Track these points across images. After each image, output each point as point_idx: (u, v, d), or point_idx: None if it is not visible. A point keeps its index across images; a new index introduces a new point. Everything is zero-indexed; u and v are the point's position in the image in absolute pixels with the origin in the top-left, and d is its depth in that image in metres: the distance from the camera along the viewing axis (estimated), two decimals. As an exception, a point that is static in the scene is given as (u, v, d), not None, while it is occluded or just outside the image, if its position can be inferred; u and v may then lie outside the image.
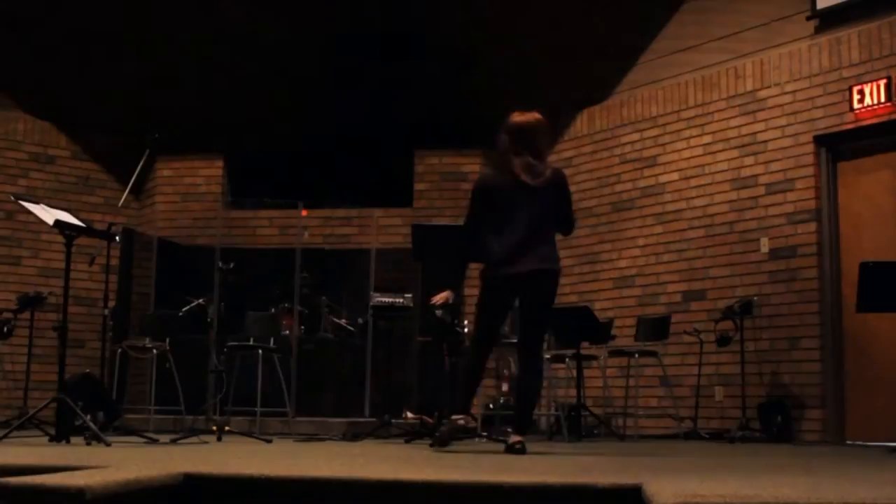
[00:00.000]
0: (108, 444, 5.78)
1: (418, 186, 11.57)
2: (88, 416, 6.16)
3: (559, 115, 11.40)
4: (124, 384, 10.01)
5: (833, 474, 4.11)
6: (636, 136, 10.57)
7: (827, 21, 9.13)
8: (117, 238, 7.37)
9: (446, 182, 11.56)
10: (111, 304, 8.77)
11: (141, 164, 7.52)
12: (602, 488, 3.19)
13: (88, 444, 5.89)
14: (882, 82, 8.58)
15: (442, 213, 11.32)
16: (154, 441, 6.43)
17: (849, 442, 8.49)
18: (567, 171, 11.19)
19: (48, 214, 6.54)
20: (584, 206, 11.01)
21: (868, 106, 8.66)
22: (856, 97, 8.75)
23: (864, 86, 8.70)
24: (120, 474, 3.11)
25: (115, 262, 9.75)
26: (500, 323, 6.33)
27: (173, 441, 6.57)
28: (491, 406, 10.00)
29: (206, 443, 6.59)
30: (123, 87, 11.37)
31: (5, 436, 5.97)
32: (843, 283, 8.78)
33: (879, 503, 2.68)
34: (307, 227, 11.19)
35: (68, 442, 5.98)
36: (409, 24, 12.20)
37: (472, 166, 11.57)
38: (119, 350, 9.26)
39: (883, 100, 8.56)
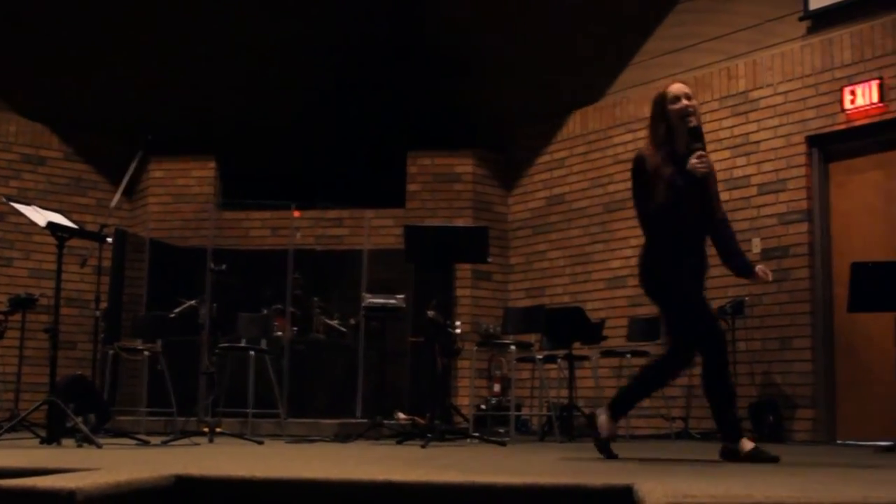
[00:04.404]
0: (99, 446, 5.77)
1: (411, 187, 11.57)
2: (80, 418, 6.15)
3: (552, 117, 11.42)
4: (116, 386, 9.99)
5: (824, 474, 4.11)
6: (629, 137, 10.57)
7: (819, 22, 9.15)
8: (109, 239, 7.36)
9: (439, 183, 11.56)
10: (103, 305, 8.77)
11: (133, 165, 7.50)
12: (594, 489, 3.19)
13: (80, 446, 5.88)
14: (874, 83, 8.59)
15: (434, 214, 11.33)
16: (146, 443, 6.42)
17: (839, 441, 8.51)
18: (560, 172, 11.33)
19: (40, 216, 6.53)
20: (576, 207, 11.03)
21: (860, 106, 8.68)
22: (847, 98, 8.77)
23: (856, 86, 8.72)
24: (111, 476, 3.11)
25: (107, 263, 9.74)
26: None
27: (165, 443, 6.56)
28: (482, 406, 10.00)
29: (197, 444, 6.58)
30: (115, 89, 11.36)
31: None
32: (835, 283, 8.80)
33: (870, 503, 2.68)
34: (299, 228, 11.18)
35: (59, 444, 5.97)
36: (402, 25, 12.21)
37: (465, 167, 11.57)
38: (111, 352, 9.24)
39: (875, 100, 8.58)
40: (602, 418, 5.42)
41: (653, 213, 5.16)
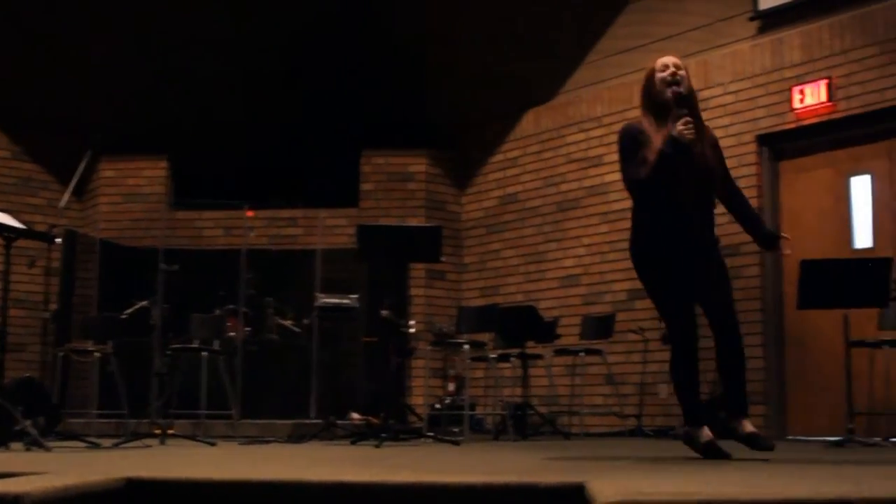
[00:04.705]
0: (48, 450, 5.71)
1: (364, 187, 11.55)
2: (29, 422, 6.07)
3: (506, 116, 11.44)
4: (66, 388, 9.88)
5: (772, 470, 4.15)
6: (582, 136, 10.63)
7: (769, 22, 9.25)
8: (58, 240, 7.28)
9: (392, 182, 11.55)
10: (53, 307, 8.68)
11: (83, 164, 7.43)
12: (546, 487, 3.19)
13: (28, 449, 5.81)
14: (823, 82, 8.70)
15: (388, 213, 11.31)
16: (96, 445, 6.36)
17: (790, 437, 8.60)
18: (513, 171, 11.35)
19: (-15, 216, 6.45)
20: (529, 206, 11.06)
21: (809, 106, 8.78)
22: (797, 97, 8.87)
23: (805, 86, 8.82)
24: (60, 480, 3.07)
25: (56, 264, 9.63)
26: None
27: (116, 445, 6.49)
28: (437, 406, 10.00)
29: (149, 446, 6.53)
30: (65, 87, 11.23)
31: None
32: (785, 280, 8.89)
33: (816, 498, 2.70)
34: (253, 227, 11.11)
35: (7, 448, 5.90)
36: (356, 24, 12.19)
37: (418, 167, 11.57)
38: (61, 354, 9.13)
39: (823, 99, 8.68)
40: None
41: (640, 183, 5.02)
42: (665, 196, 4.99)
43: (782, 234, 5.23)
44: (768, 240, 5.31)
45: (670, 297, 5.09)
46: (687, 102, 5.00)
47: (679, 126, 4.91)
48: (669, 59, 5.12)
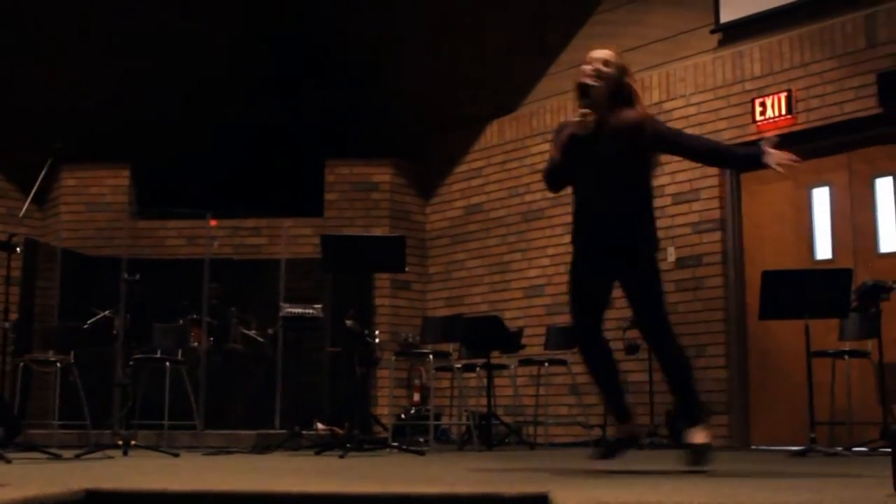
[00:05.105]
0: (8, 461, 5.65)
1: (328, 196, 11.53)
2: (-12, 433, 6.01)
3: (469, 126, 11.47)
4: (27, 399, 9.78)
5: (735, 479, 4.18)
6: (546, 147, 10.62)
7: (730, 35, 9.34)
8: (18, 249, 7.21)
9: (356, 192, 11.54)
10: (13, 316, 8.56)
11: (43, 173, 7.37)
12: (510, 497, 3.21)
13: (-12, 460, 5.75)
14: (783, 95, 8.79)
15: (352, 223, 11.30)
16: (58, 457, 6.30)
17: (753, 447, 8.66)
18: (477, 182, 11.38)
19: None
20: (494, 217, 11.09)
21: (770, 118, 8.86)
22: (758, 109, 8.95)
23: (766, 98, 8.90)
24: (19, 492, 3.05)
25: (17, 273, 9.53)
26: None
27: (77, 456, 6.43)
28: (402, 416, 9.99)
29: (111, 458, 6.48)
30: (26, 95, 11.13)
31: None
32: (747, 291, 8.96)
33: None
34: (216, 237, 11.06)
35: (-33, 459, 5.83)
36: (320, 32, 12.18)
37: (383, 176, 11.57)
38: (21, 364, 9.04)
39: (784, 112, 8.77)
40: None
41: (544, 178, 5.01)
42: (576, 191, 4.91)
43: (768, 148, 4.69)
44: (745, 162, 5.20)
45: (572, 292, 4.97)
46: (586, 93, 4.73)
47: (575, 119, 4.76)
48: (597, 53, 4.88)
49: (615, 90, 4.82)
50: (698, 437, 4.65)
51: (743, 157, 5.30)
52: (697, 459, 4.59)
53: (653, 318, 4.83)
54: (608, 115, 4.78)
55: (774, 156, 4.68)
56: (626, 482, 4.06)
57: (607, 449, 5.17)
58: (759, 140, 4.79)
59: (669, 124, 9.49)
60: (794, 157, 4.69)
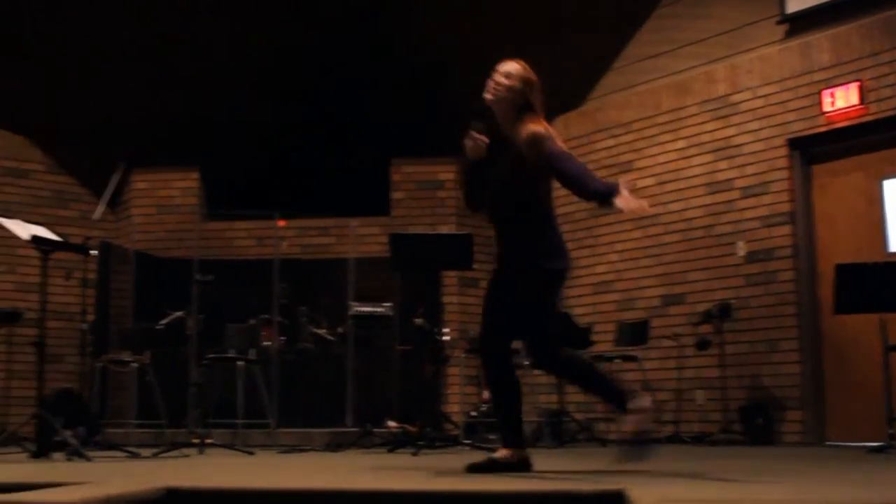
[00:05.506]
0: (89, 460, 5.76)
1: (395, 195, 11.58)
2: (69, 432, 6.13)
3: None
4: (105, 399, 9.96)
5: (813, 476, 4.14)
6: (611, 142, 10.62)
7: (797, 25, 9.21)
8: (93, 252, 7.35)
9: (422, 191, 11.57)
10: (90, 318, 8.74)
11: (117, 177, 7.50)
12: (585, 494, 3.20)
13: (69, 459, 5.86)
14: (853, 85, 8.65)
15: (419, 221, 11.33)
16: (136, 455, 6.40)
17: (829, 443, 8.54)
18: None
19: (24, 230, 6.53)
20: (561, 212, 11.01)
21: (840, 109, 8.73)
22: (827, 100, 8.83)
23: (836, 89, 8.77)
24: (102, 490, 3.10)
25: (92, 276, 9.70)
26: None
27: (155, 455, 6.54)
28: (473, 413, 10.00)
29: (187, 456, 6.57)
30: (97, 100, 11.32)
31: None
32: (820, 284, 8.84)
33: (860, 504, 2.70)
34: (284, 237, 11.16)
35: (49, 458, 5.95)
36: (386, 32, 12.22)
37: (448, 174, 11.58)
38: (99, 364, 9.21)
39: (854, 102, 8.63)
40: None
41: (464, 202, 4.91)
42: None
43: (622, 192, 4.23)
44: (603, 197, 4.34)
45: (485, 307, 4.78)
46: (477, 113, 4.68)
47: (466, 141, 4.64)
48: (501, 65, 4.78)
49: (521, 105, 4.68)
50: (629, 424, 4.42)
51: (594, 192, 4.43)
52: (630, 454, 4.36)
53: (495, 335, 4.69)
54: (513, 131, 4.63)
55: (626, 199, 4.19)
56: (702, 479, 4.03)
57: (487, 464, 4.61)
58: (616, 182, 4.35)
59: (736, 118, 9.49)
60: (645, 206, 4.25)
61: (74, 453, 5.93)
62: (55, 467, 5.17)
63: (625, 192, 4.21)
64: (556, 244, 4.70)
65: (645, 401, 4.45)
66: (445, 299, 11.19)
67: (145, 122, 11.26)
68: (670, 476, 4.22)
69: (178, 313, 8.71)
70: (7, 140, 11.41)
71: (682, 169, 9.92)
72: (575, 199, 10.86)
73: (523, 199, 4.65)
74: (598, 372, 4.79)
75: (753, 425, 8.68)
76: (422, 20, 12.07)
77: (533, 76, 4.75)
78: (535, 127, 4.58)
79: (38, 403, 6.31)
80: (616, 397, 4.55)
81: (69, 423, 6.37)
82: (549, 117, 11.37)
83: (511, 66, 4.74)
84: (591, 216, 10.70)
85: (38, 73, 11.06)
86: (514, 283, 4.60)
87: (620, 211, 4.25)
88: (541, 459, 5.99)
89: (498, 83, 4.70)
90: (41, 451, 6.05)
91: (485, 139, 4.60)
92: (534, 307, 4.58)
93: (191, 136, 11.63)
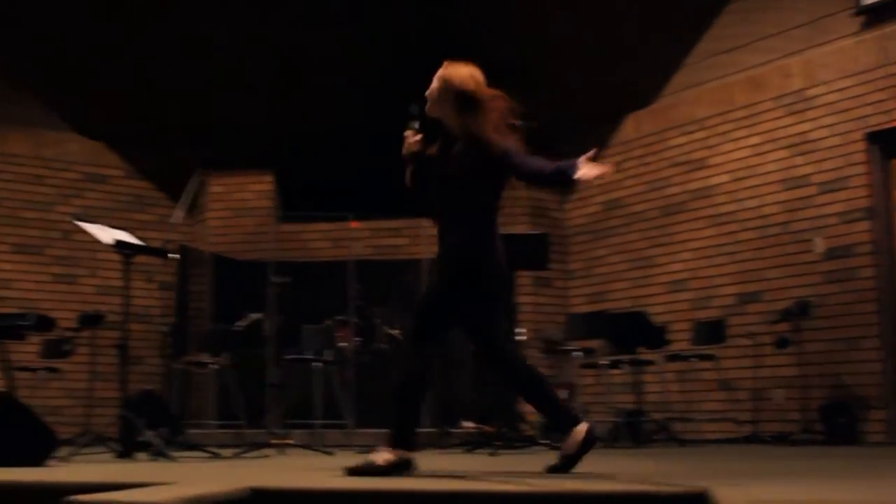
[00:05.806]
0: (173, 460, 5.86)
1: (467, 196, 11.57)
2: (153, 433, 6.24)
3: (606, 121, 11.38)
4: (184, 400, 10.11)
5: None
6: (684, 139, 10.53)
7: (873, 17, 9.05)
8: (174, 255, 7.46)
9: (495, 190, 11.54)
10: (169, 320, 8.90)
11: (196, 182, 7.61)
12: (668, 494, 3.18)
13: (153, 459, 5.97)
14: (933, 77, 8.49)
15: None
16: (217, 455, 6.48)
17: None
18: (616, 176, 11.24)
19: (106, 234, 6.66)
20: (634, 211, 10.98)
21: (920, 102, 8.57)
22: (905, 94, 8.67)
23: (915, 82, 8.62)
24: (188, 490, 3.14)
25: (170, 279, 9.87)
26: None
27: (236, 455, 6.62)
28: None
29: (268, 456, 6.65)
30: (173, 105, 11.50)
31: (73, 453, 6.06)
32: (901, 281, 8.69)
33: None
34: (358, 238, 11.24)
35: (133, 458, 6.07)
36: (457, 34, 12.24)
37: (521, 174, 11.55)
38: (179, 366, 9.35)
39: (935, 95, 8.48)
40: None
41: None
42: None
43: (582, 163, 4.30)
44: (555, 179, 4.53)
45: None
46: (413, 114, 4.87)
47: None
48: (442, 69, 4.87)
49: (461, 105, 4.70)
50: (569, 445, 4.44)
51: (556, 172, 4.52)
52: (560, 469, 4.39)
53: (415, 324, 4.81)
54: (461, 129, 4.69)
55: (582, 169, 4.26)
56: (785, 479, 3.99)
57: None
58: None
59: (811, 112, 9.34)
60: (605, 169, 4.28)
61: (158, 453, 6.05)
62: (140, 467, 5.26)
63: (582, 164, 4.26)
64: (488, 244, 4.74)
65: (583, 429, 4.43)
66: (520, 299, 11.17)
67: (221, 127, 11.41)
68: (752, 476, 4.18)
69: (255, 315, 8.82)
70: (86, 146, 11.65)
71: (757, 165, 9.80)
72: (647, 198, 10.81)
73: (465, 196, 4.72)
74: (546, 388, 4.80)
75: (836, 424, 8.54)
76: (493, 21, 12.07)
77: (456, 72, 4.79)
78: (487, 126, 4.67)
79: (122, 404, 6.44)
80: (559, 417, 4.63)
81: (152, 424, 6.48)
82: (621, 115, 11.37)
83: (449, 69, 4.82)
84: (663, 214, 10.63)
85: (116, 81, 11.26)
86: (437, 273, 4.73)
87: (585, 182, 4.29)
88: (619, 459, 5.97)
89: (430, 90, 4.83)
90: (126, 451, 6.17)
91: (416, 137, 4.81)
92: (435, 290, 4.73)
93: (265, 140, 11.76)
